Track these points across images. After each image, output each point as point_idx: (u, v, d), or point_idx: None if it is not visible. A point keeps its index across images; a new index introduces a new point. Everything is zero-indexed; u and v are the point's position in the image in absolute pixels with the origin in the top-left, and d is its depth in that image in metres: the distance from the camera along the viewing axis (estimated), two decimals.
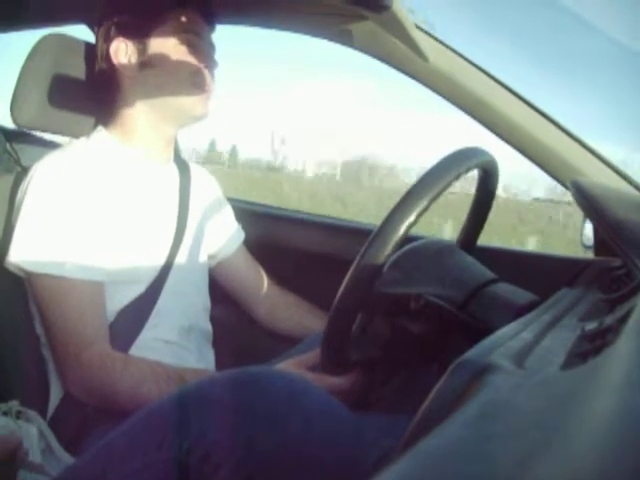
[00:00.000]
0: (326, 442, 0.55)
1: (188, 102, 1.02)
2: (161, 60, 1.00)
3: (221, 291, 1.23)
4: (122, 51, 1.01)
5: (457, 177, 0.73)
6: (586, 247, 1.07)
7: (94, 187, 0.95)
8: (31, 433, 0.77)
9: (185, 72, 1.00)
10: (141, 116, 1.03)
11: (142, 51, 1.00)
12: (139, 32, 1.00)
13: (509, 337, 0.45)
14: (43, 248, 0.90)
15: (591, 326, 0.49)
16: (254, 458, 0.53)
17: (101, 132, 1.05)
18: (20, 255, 0.91)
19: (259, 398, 0.56)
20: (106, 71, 1.03)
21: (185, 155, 1.39)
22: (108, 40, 1.02)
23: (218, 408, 0.57)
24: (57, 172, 0.94)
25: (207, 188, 1.22)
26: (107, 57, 1.02)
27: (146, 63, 1.00)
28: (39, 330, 0.97)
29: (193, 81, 1.01)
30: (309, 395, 0.59)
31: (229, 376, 0.60)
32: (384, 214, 0.69)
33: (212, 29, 1.07)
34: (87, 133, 1.07)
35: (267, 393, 0.57)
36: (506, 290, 0.79)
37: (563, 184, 1.02)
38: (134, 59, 1.00)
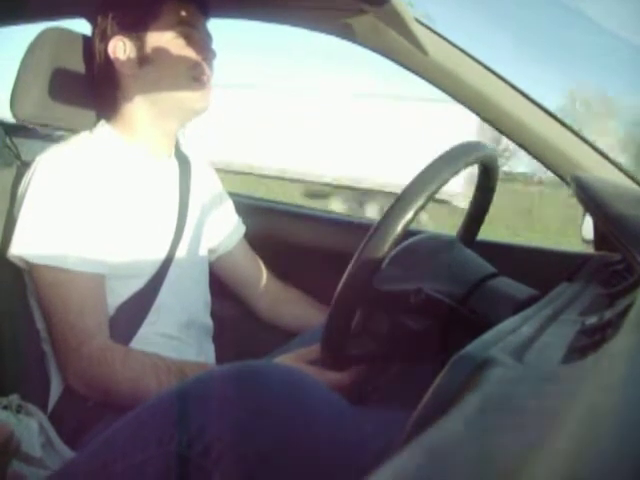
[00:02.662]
0: (326, 436, 0.55)
1: (188, 96, 1.02)
2: (159, 55, 0.99)
3: (221, 285, 1.23)
4: (120, 49, 1.00)
5: (456, 172, 0.73)
6: (586, 241, 1.07)
7: (96, 181, 0.95)
8: (31, 427, 0.77)
9: (184, 65, 1.00)
10: (142, 112, 1.03)
11: (140, 47, 1.00)
12: (135, 28, 0.99)
13: (509, 331, 0.45)
14: (45, 240, 0.91)
15: (591, 321, 0.49)
16: (254, 452, 0.53)
17: (104, 126, 1.05)
18: (22, 247, 0.91)
19: (259, 392, 0.56)
20: (105, 69, 1.03)
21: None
22: (105, 38, 1.01)
23: (218, 402, 0.57)
24: (60, 165, 0.94)
25: (208, 182, 1.22)
26: (105, 55, 1.02)
27: (145, 59, 1.00)
28: (39, 324, 0.97)
29: (192, 74, 1.01)
30: (309, 389, 0.59)
31: (229, 370, 0.60)
32: None
33: (207, 19, 1.07)
34: (87, 127, 1.07)
35: (267, 387, 0.57)
36: (506, 284, 0.79)
37: (563, 179, 1.02)
38: (133, 56, 1.00)
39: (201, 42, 1.02)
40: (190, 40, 1.00)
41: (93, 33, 1.05)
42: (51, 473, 0.72)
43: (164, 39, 0.99)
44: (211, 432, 0.55)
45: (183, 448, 0.55)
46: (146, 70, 1.00)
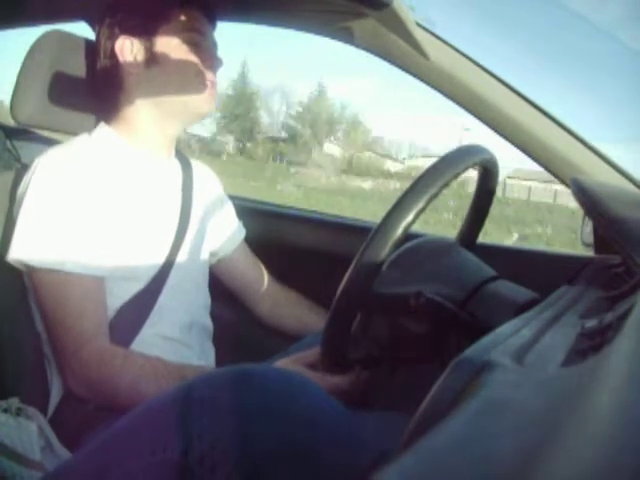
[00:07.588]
0: (324, 441, 0.55)
1: (193, 99, 1.03)
2: (166, 58, 1.00)
3: (221, 288, 1.23)
4: (128, 48, 1.00)
5: (456, 176, 0.73)
6: (586, 245, 1.07)
7: (96, 182, 0.94)
8: (31, 430, 0.77)
9: (190, 71, 1.01)
10: (145, 113, 1.03)
11: (148, 48, 1.00)
12: (144, 30, 1.00)
13: (509, 334, 0.45)
14: (45, 243, 0.90)
15: (591, 323, 0.49)
16: (251, 458, 0.53)
17: (104, 128, 1.05)
18: (21, 250, 0.91)
19: (256, 396, 0.56)
20: (109, 68, 1.03)
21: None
22: (112, 38, 1.02)
23: (214, 407, 0.56)
24: (59, 167, 0.94)
25: (209, 185, 1.22)
26: (112, 54, 1.02)
27: (151, 61, 1.00)
28: (39, 327, 0.97)
29: (198, 79, 1.01)
30: (307, 393, 0.59)
31: (226, 373, 0.60)
32: None
33: (214, 27, 1.08)
34: (87, 130, 1.07)
35: (265, 391, 0.57)
36: (506, 287, 0.79)
37: (564, 182, 1.02)
38: (140, 56, 1.00)
39: (208, 50, 1.03)
40: (197, 47, 1.01)
41: (98, 33, 1.05)
42: (45, 474, 0.72)
43: (172, 44, 1.00)
44: (207, 439, 0.54)
45: (179, 455, 0.55)
46: (152, 71, 1.01)
